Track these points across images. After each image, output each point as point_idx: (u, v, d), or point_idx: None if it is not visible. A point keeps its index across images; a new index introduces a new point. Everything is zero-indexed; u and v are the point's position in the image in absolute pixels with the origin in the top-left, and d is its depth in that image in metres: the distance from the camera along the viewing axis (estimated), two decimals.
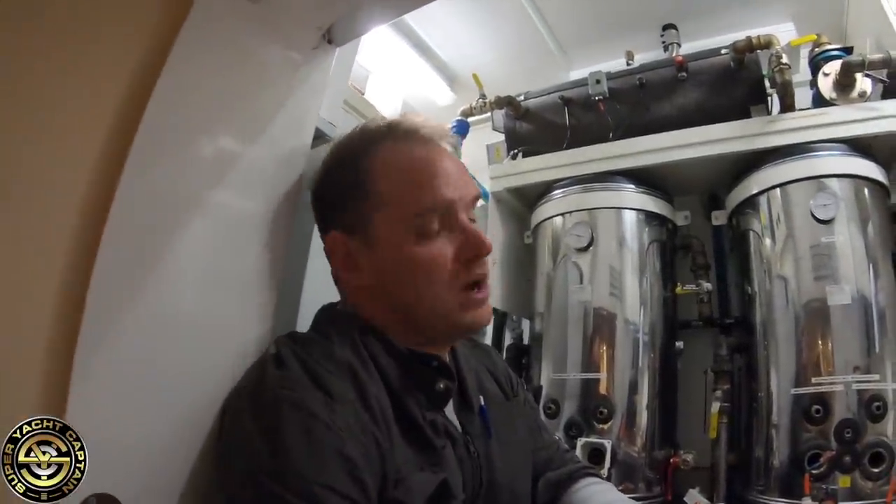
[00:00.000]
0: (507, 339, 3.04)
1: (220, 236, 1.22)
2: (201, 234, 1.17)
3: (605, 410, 2.26)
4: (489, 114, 3.15)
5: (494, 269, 2.77)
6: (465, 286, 1.19)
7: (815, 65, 2.43)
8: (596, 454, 2.20)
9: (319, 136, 1.62)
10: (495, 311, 2.97)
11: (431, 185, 1.19)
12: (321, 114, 1.62)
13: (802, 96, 2.48)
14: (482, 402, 1.34)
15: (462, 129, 3.22)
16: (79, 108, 1.02)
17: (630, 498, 2.00)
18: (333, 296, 1.33)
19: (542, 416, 2.33)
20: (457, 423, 1.24)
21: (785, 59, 2.33)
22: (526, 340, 2.88)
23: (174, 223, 1.12)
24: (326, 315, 1.30)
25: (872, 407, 1.93)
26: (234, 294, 1.24)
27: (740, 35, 2.51)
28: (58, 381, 0.93)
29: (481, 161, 3.12)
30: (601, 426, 2.27)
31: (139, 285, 1.05)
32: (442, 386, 1.20)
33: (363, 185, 1.22)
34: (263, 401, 1.02)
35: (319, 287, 1.42)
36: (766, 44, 2.39)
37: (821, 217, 2.13)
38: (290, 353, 1.09)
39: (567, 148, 2.75)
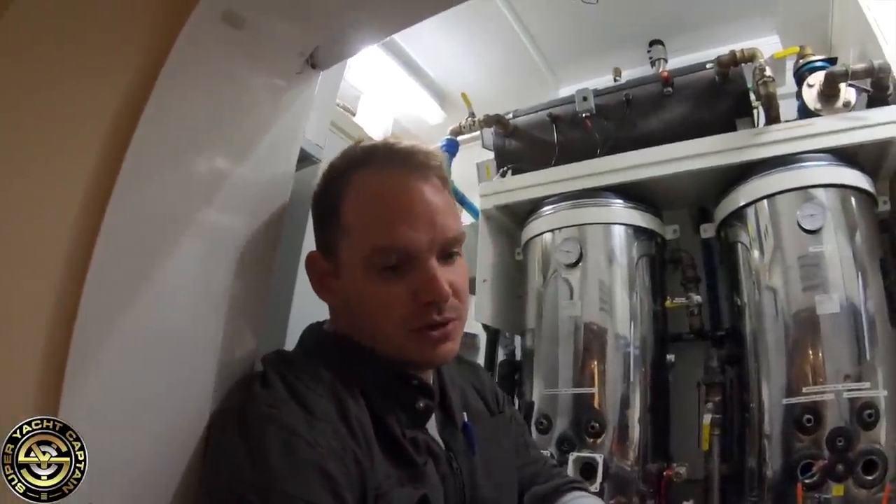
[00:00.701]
0: (501, 356, 3.03)
1: (207, 254, 1.25)
2: (189, 252, 1.20)
3: (597, 425, 2.26)
4: (478, 132, 3.17)
5: (485, 286, 2.79)
6: (418, 328, 1.17)
7: (800, 76, 2.44)
8: (588, 468, 2.20)
9: (306, 158, 1.66)
10: (487, 328, 2.99)
11: (393, 225, 1.17)
12: (308, 136, 1.65)
13: (790, 109, 2.50)
14: (465, 419, 1.35)
15: (451, 147, 3.25)
16: (72, 131, 1.06)
17: None
18: (322, 313, 1.35)
19: (535, 432, 2.36)
20: (439, 440, 1.25)
21: (769, 72, 2.35)
22: (519, 357, 2.88)
23: (163, 240, 1.16)
24: (313, 335, 1.31)
25: (864, 415, 1.92)
26: (221, 310, 1.26)
27: (727, 49, 2.52)
28: (51, 386, 0.95)
29: (471, 179, 3.15)
30: (593, 440, 2.27)
31: (129, 298, 1.08)
32: (422, 405, 1.22)
33: (336, 210, 1.23)
34: (248, 418, 1.04)
35: (308, 304, 1.44)
36: (750, 57, 2.41)
37: (808, 227, 2.13)
38: (276, 372, 1.12)
39: (555, 165, 2.77)
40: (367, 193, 1.21)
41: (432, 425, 1.27)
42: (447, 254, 1.22)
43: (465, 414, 1.36)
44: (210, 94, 1.27)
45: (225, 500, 0.98)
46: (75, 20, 1.08)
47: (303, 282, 1.39)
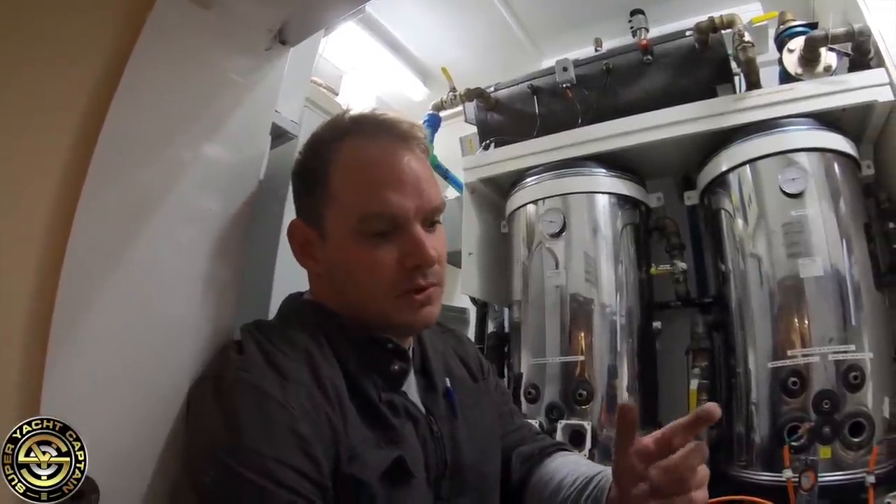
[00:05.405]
0: (490, 329, 3.04)
1: (182, 235, 1.25)
2: (164, 233, 1.20)
3: (585, 392, 2.28)
4: (461, 107, 3.17)
5: (471, 259, 2.81)
6: (404, 292, 1.20)
7: (781, 42, 2.44)
8: (577, 436, 2.22)
9: (282, 135, 1.68)
10: (475, 301, 3.01)
11: (381, 192, 1.19)
12: (284, 113, 1.66)
13: (774, 76, 2.50)
14: (448, 384, 1.36)
15: (434, 122, 3.26)
16: (44, 117, 1.06)
17: None
18: (303, 286, 1.36)
19: (524, 401, 2.39)
20: (420, 404, 1.26)
21: (748, 37, 2.35)
22: (507, 329, 2.89)
23: (137, 223, 1.16)
24: (289, 304, 1.33)
25: (850, 377, 1.93)
26: (197, 289, 1.27)
27: (709, 17, 2.51)
28: (32, 377, 0.95)
29: (455, 154, 3.18)
30: (581, 408, 2.28)
31: (105, 281, 1.09)
32: (397, 367, 1.23)
33: (322, 178, 1.24)
34: (223, 384, 1.06)
35: (290, 277, 1.46)
36: (729, 23, 2.40)
37: (789, 191, 2.14)
38: (251, 338, 1.14)
39: (538, 136, 2.77)
40: (355, 161, 1.23)
41: (413, 390, 1.28)
42: (430, 222, 1.24)
43: (447, 380, 1.38)
44: (180, 76, 1.28)
45: (201, 464, 0.99)
46: (44, 6, 1.08)
47: (284, 256, 1.40)
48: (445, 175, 3.33)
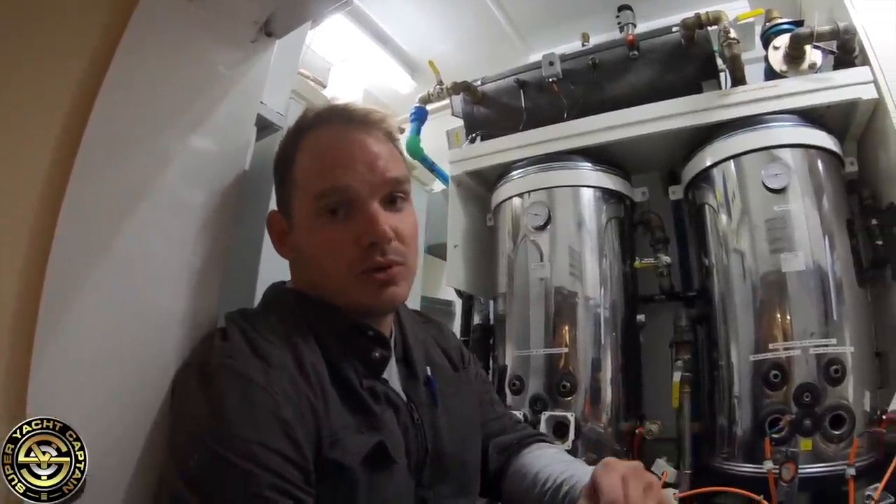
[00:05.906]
0: (476, 322, 3.04)
1: (167, 225, 1.27)
2: (150, 224, 1.22)
3: (569, 384, 2.29)
4: (448, 100, 3.17)
5: (456, 252, 2.82)
6: (364, 270, 1.22)
7: (766, 39, 2.45)
8: (560, 427, 2.23)
9: (268, 126, 1.69)
10: (461, 294, 3.00)
11: (330, 170, 1.24)
12: (270, 105, 1.66)
13: (760, 73, 2.51)
14: (428, 373, 1.38)
15: (420, 115, 3.28)
16: (32, 109, 1.07)
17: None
18: (288, 276, 1.39)
19: (508, 393, 2.40)
20: (401, 392, 1.28)
21: (733, 34, 2.35)
22: (492, 321, 2.88)
23: (124, 214, 1.17)
24: (272, 292, 1.36)
25: (831, 370, 1.95)
26: (182, 279, 1.29)
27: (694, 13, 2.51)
28: (19, 367, 0.96)
29: (442, 147, 3.17)
30: (565, 399, 2.29)
31: (91, 272, 1.10)
32: (377, 354, 1.26)
33: (290, 169, 1.30)
34: (208, 370, 1.07)
35: (275, 267, 1.48)
36: (715, 20, 2.40)
37: (772, 186, 2.15)
38: (235, 326, 1.16)
39: (524, 130, 2.77)
40: (312, 148, 1.29)
41: (394, 378, 1.30)
42: (391, 199, 1.27)
43: (428, 368, 1.40)
44: (167, 68, 1.30)
45: (186, 448, 1.01)
46: (32, 1, 1.09)
47: (269, 246, 1.42)
48: (432, 168, 3.35)
